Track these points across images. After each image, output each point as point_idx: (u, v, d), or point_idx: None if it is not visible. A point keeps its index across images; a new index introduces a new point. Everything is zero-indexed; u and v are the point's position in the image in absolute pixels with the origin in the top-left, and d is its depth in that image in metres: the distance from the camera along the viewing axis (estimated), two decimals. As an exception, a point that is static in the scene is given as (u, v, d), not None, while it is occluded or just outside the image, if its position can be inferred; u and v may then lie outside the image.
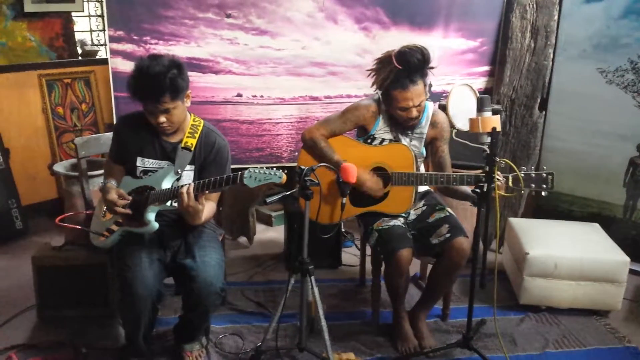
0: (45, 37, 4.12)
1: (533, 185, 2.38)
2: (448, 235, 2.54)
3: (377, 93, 2.70)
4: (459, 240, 2.51)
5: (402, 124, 2.65)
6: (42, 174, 4.10)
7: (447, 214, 2.65)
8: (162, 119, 2.25)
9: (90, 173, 3.05)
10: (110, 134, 2.59)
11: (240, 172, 2.07)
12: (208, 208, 2.36)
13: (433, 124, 2.72)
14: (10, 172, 3.90)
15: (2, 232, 3.79)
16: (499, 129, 2.27)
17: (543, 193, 2.40)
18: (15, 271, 3.30)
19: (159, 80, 2.15)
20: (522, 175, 2.37)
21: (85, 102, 4.26)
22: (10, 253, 3.64)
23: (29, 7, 3.94)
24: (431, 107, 2.73)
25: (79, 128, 4.24)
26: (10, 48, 3.96)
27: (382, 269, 2.72)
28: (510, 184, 2.39)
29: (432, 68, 2.55)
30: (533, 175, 2.38)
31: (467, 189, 2.55)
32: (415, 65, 2.47)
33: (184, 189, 2.16)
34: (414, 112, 2.57)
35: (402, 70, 2.49)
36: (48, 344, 2.53)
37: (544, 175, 2.37)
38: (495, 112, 2.39)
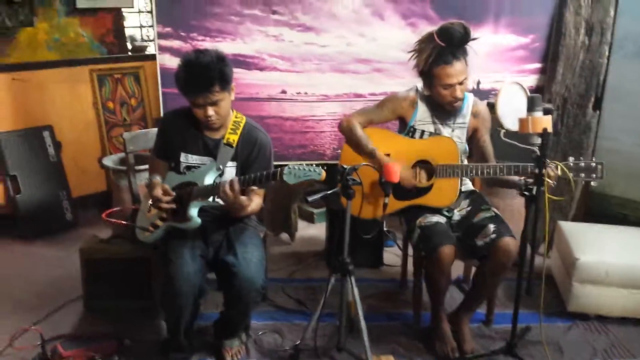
0: (96, 33, 4.22)
1: (582, 175, 2.31)
2: (494, 235, 2.47)
3: (415, 85, 2.68)
4: (505, 241, 2.44)
5: (444, 108, 2.60)
6: (92, 167, 4.20)
7: (493, 214, 2.58)
8: (211, 112, 2.26)
9: (137, 167, 3.11)
10: (157, 129, 2.62)
11: (279, 169, 2.07)
12: (254, 202, 2.38)
13: (474, 114, 2.68)
14: (62, 164, 4.02)
15: (53, 223, 3.92)
16: (550, 129, 2.19)
17: (593, 183, 2.33)
18: (65, 262, 3.39)
19: (209, 70, 2.18)
20: (571, 164, 2.31)
21: (134, 97, 4.35)
22: (61, 244, 3.75)
23: (81, 3, 4.05)
24: (471, 97, 2.69)
25: (128, 122, 4.33)
26: (63, 43, 4.08)
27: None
28: (559, 173, 2.32)
29: (474, 39, 2.51)
30: (582, 164, 2.31)
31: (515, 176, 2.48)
32: (458, 39, 2.46)
33: (225, 188, 2.17)
34: (458, 91, 2.52)
35: (444, 47, 2.46)
36: (92, 335, 2.58)
37: (594, 164, 2.30)
38: (546, 112, 2.31)
